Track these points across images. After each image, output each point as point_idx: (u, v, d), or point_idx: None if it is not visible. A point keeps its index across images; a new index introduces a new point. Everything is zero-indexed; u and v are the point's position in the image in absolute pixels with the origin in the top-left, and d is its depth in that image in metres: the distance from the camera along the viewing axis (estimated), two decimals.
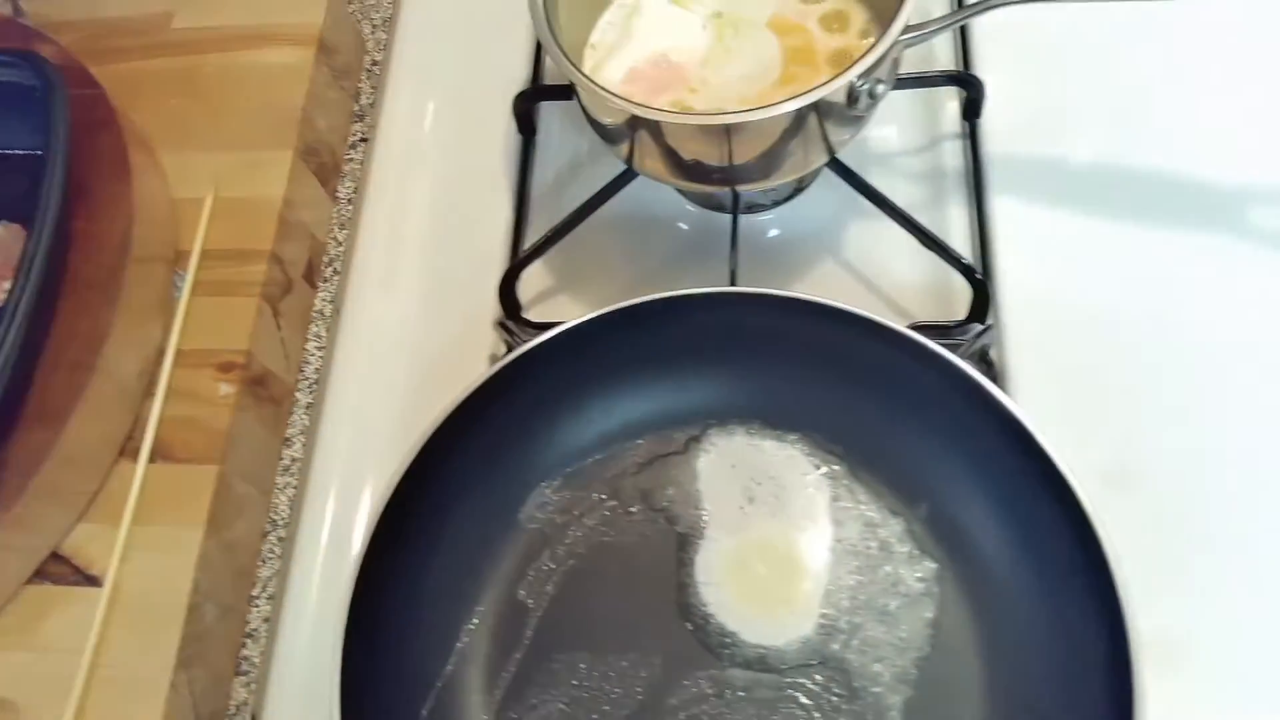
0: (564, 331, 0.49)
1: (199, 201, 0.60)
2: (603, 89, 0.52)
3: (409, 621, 0.47)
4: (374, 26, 0.73)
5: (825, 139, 0.55)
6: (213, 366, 0.56)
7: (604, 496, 0.51)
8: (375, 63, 0.72)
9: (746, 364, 0.51)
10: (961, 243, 0.60)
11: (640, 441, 0.52)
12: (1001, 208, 0.60)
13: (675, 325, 0.50)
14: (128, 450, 0.55)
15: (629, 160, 0.57)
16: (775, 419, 0.52)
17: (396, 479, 0.47)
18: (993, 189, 0.60)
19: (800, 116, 0.51)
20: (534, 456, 0.51)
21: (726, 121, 0.52)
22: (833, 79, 0.50)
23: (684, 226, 0.64)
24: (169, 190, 0.60)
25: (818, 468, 0.51)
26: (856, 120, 0.55)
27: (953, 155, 0.63)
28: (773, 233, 0.63)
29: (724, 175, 0.56)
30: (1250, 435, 0.53)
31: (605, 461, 0.52)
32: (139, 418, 0.55)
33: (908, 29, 0.51)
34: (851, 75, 0.50)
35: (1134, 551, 0.49)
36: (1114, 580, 0.41)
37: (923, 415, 0.49)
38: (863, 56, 0.50)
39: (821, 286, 0.60)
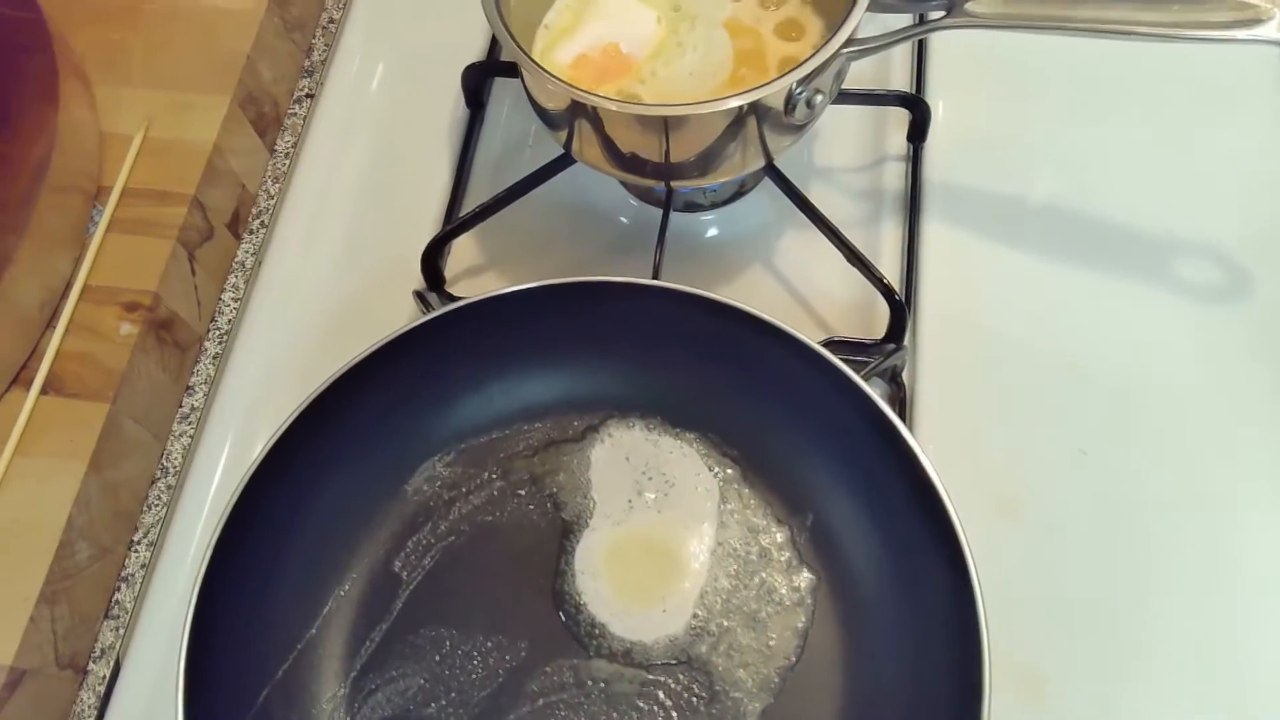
0: (471, 303, 0.48)
1: (128, 138, 0.59)
2: (543, 69, 0.52)
3: (274, 579, 0.46)
4: None
5: (763, 143, 0.55)
6: (118, 305, 0.55)
7: (494, 476, 0.51)
8: (332, 20, 0.71)
9: (654, 359, 0.51)
10: (891, 263, 0.60)
11: (538, 425, 0.52)
12: (932, 232, 0.60)
13: (586, 311, 0.50)
14: (21, 379, 0.54)
15: (568, 146, 0.57)
16: (676, 417, 0.51)
17: (281, 430, 0.46)
18: (927, 213, 0.60)
19: (738, 116, 0.51)
20: (428, 428, 0.51)
21: (663, 114, 0.51)
22: (770, 82, 0.50)
23: (624, 220, 0.64)
24: (98, 123, 0.59)
25: (711, 469, 0.50)
26: (795, 128, 0.55)
27: (895, 177, 0.63)
28: (710, 233, 0.63)
29: (660, 170, 0.56)
30: (1141, 478, 0.53)
31: (500, 441, 0.51)
32: (36, 349, 0.54)
33: (850, 42, 0.51)
34: (790, 80, 0.50)
35: (1013, 578, 0.49)
36: (978, 613, 0.40)
37: (820, 429, 0.49)
38: (802, 63, 0.50)
39: (750, 291, 0.60)
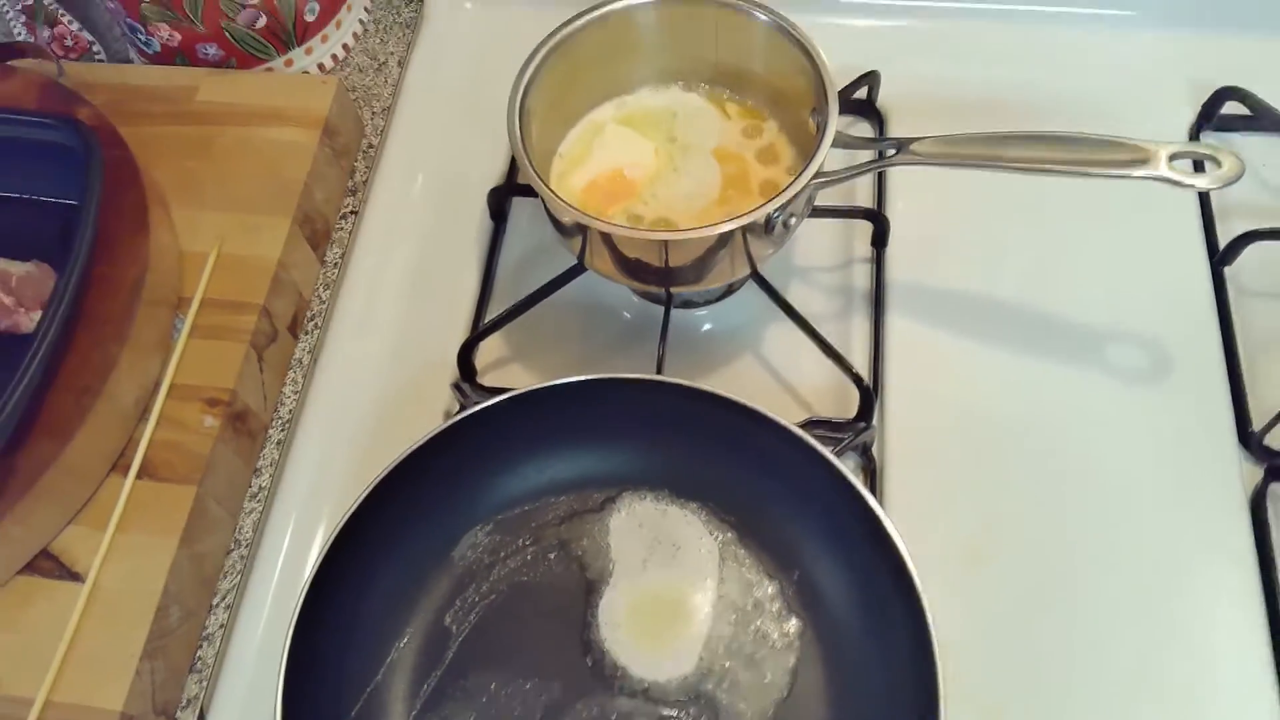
0: (506, 400, 0.58)
1: (203, 255, 0.69)
2: (561, 199, 0.62)
3: (348, 634, 0.55)
4: (373, 114, 0.83)
5: (748, 255, 0.65)
6: (200, 400, 0.64)
7: (527, 542, 0.60)
8: (371, 145, 0.81)
9: (660, 440, 0.60)
10: (860, 350, 0.69)
11: (564, 498, 0.61)
12: (895, 324, 0.69)
13: (602, 403, 0.59)
14: (119, 466, 0.63)
15: (580, 257, 0.67)
16: (681, 489, 0.61)
17: (350, 512, 0.55)
18: (890, 308, 0.70)
19: (726, 236, 0.61)
20: (471, 503, 0.60)
21: (663, 238, 0.61)
22: (752, 211, 0.60)
23: (627, 315, 0.73)
24: (178, 243, 0.69)
25: (712, 534, 0.59)
26: (775, 242, 0.65)
27: (862, 276, 0.73)
28: (705, 327, 0.73)
29: (661, 278, 0.66)
30: (1086, 533, 0.62)
31: (532, 512, 0.61)
32: (132, 438, 0.63)
33: (818, 175, 0.61)
34: (768, 209, 0.60)
35: (976, 621, 0.59)
36: (933, 654, 0.49)
37: (803, 498, 0.58)
38: (778, 195, 0.60)
39: (740, 377, 0.70)
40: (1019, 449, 0.65)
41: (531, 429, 0.59)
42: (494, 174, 0.78)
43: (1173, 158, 0.54)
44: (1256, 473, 0.63)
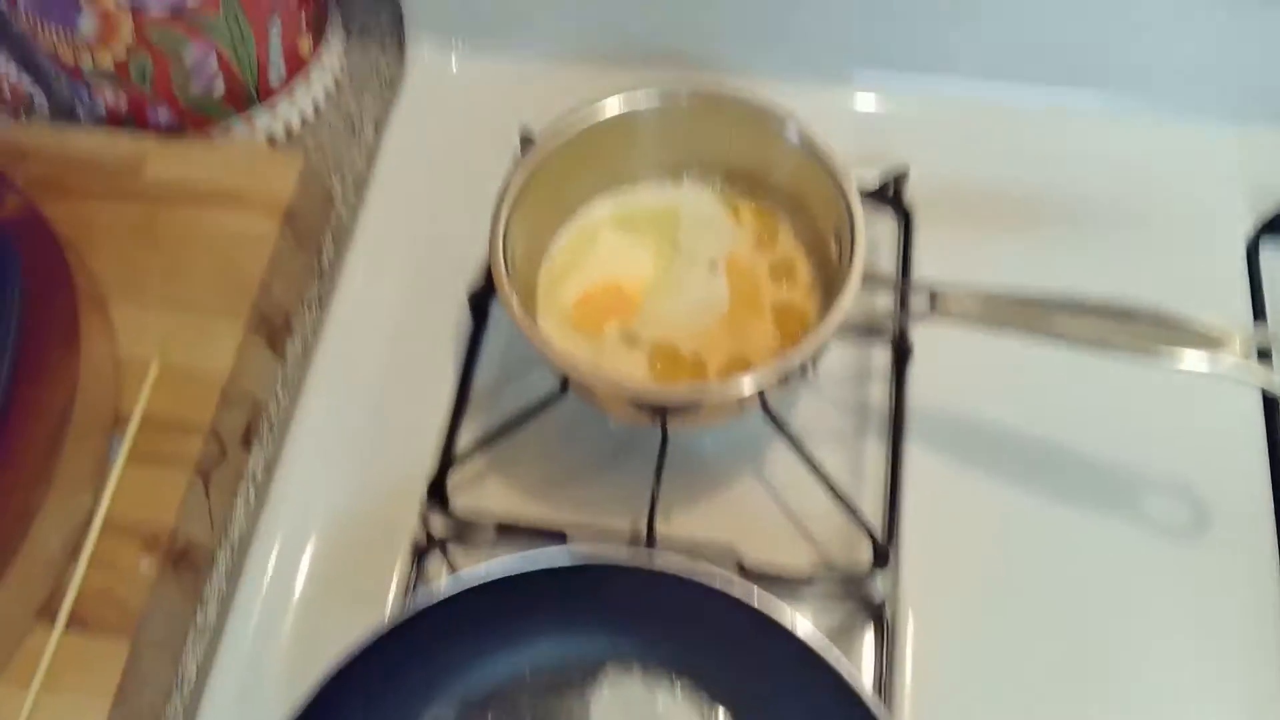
0: (475, 586, 0.51)
1: (144, 364, 0.61)
2: (545, 344, 0.54)
3: None
4: (344, 185, 0.75)
5: (760, 398, 0.58)
6: (138, 540, 0.57)
7: None
8: (340, 219, 0.73)
9: (649, 619, 0.54)
10: (875, 485, 0.63)
11: (541, 676, 0.54)
12: (915, 456, 0.63)
13: (586, 584, 0.52)
14: (45, 612, 0.56)
15: (563, 386, 0.59)
16: (670, 666, 0.54)
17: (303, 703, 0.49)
18: (910, 437, 0.63)
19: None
20: (433, 683, 0.53)
21: (657, 398, 0.54)
22: (766, 369, 0.53)
23: (614, 427, 0.67)
24: (116, 350, 0.62)
25: (704, 717, 0.53)
26: (787, 388, 0.58)
27: (880, 394, 0.66)
28: (705, 445, 0.66)
29: (655, 418, 0.59)
30: (1119, 706, 0.57)
31: (505, 691, 0.54)
32: (60, 583, 0.56)
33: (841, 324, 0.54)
34: (784, 368, 0.53)
35: None
36: None
37: (803, 690, 0.51)
38: (793, 351, 0.53)
39: (740, 504, 0.63)
40: (1046, 606, 0.59)
41: (502, 614, 0.53)
42: (476, 257, 0.70)
43: (1249, 347, 0.47)
44: None
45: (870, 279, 0.56)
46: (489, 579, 0.50)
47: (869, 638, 0.59)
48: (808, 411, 0.66)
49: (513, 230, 0.58)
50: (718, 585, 0.50)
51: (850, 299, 0.53)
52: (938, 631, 0.59)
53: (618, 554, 0.52)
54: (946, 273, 0.65)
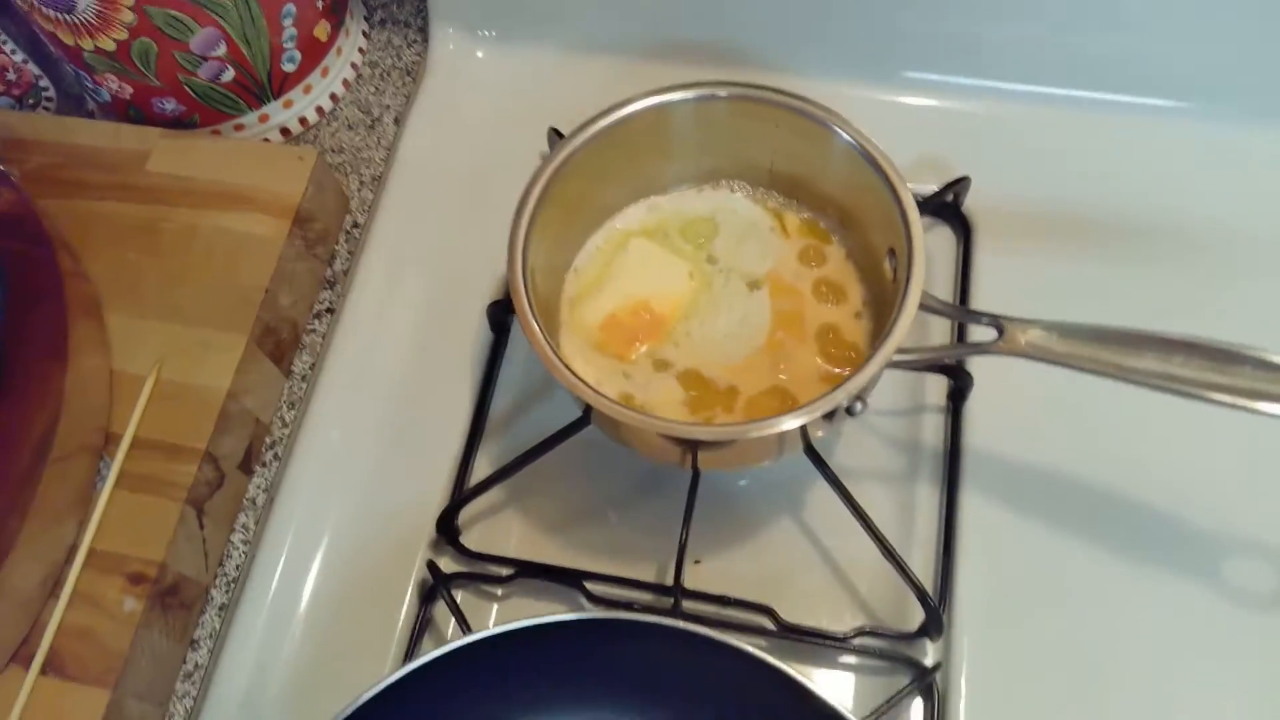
0: (477, 641, 0.46)
1: (139, 378, 0.57)
2: (569, 372, 0.49)
3: None
4: (362, 183, 0.69)
5: (803, 437, 0.52)
6: (123, 575, 0.53)
7: None
8: (356, 224, 0.68)
9: (673, 691, 0.48)
10: (927, 531, 0.57)
11: None
12: (971, 504, 0.57)
13: (592, 642, 0.47)
14: (21, 655, 0.52)
15: (586, 415, 0.54)
16: None
17: None
18: (966, 483, 0.57)
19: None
20: None
21: (689, 436, 0.49)
22: (808, 405, 0.47)
23: (643, 462, 0.61)
24: (109, 364, 0.57)
25: None
26: (834, 426, 0.52)
27: (934, 431, 0.60)
28: (741, 483, 0.60)
29: (686, 456, 0.53)
30: None
31: None
32: (39, 619, 0.52)
33: (898, 350, 0.48)
34: (831, 404, 0.47)
35: None
36: None
37: None
38: (841, 385, 0.47)
39: (777, 550, 0.58)
40: (1113, 679, 0.53)
41: (514, 674, 0.47)
42: (499, 264, 0.63)
43: None
44: None
45: (928, 304, 0.49)
46: (487, 637, 0.45)
47: (917, 712, 0.53)
48: (853, 448, 0.60)
49: (535, 238, 0.53)
50: (751, 652, 0.45)
51: (906, 327, 0.47)
52: (995, 706, 0.53)
53: (638, 612, 0.46)
54: (1011, 295, 0.59)
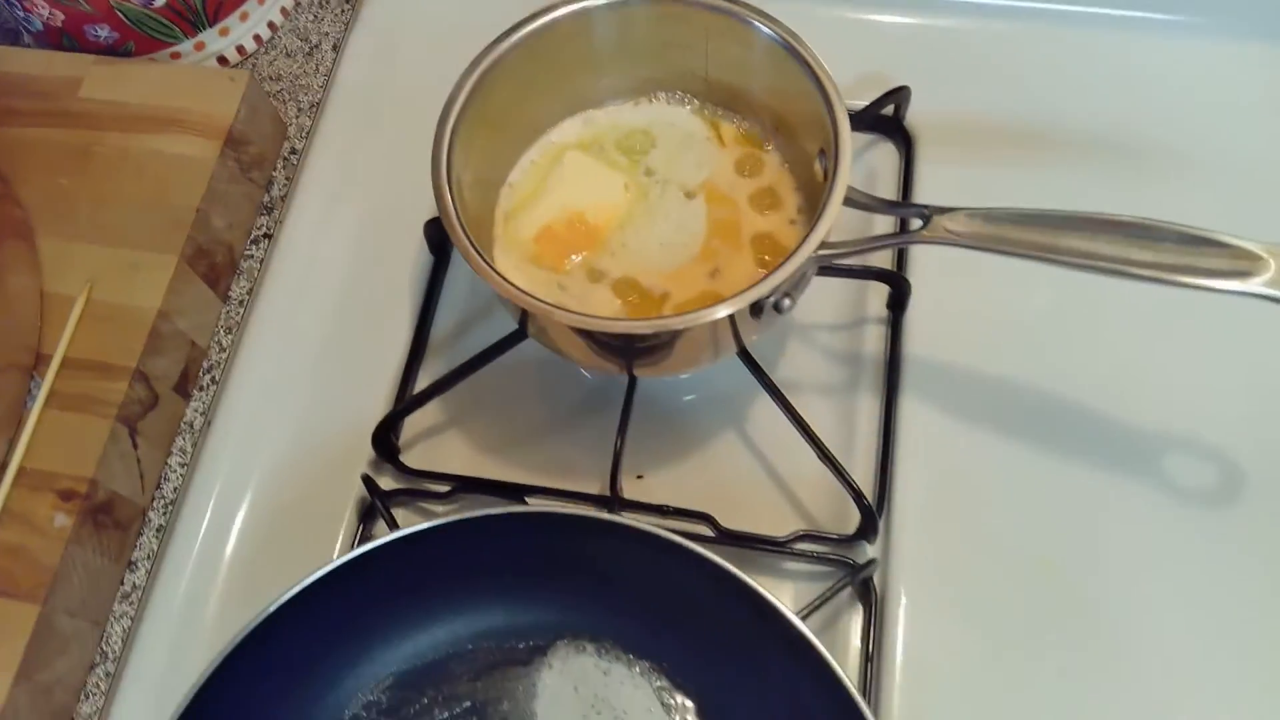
0: (415, 532, 0.45)
1: (70, 299, 0.56)
2: (505, 280, 0.48)
3: None
4: (299, 110, 0.69)
5: (735, 336, 0.52)
6: (53, 492, 0.52)
7: (434, 701, 0.48)
8: (294, 151, 0.68)
9: (608, 586, 0.48)
10: (866, 441, 0.57)
11: (483, 646, 0.49)
12: (911, 410, 0.57)
13: (534, 540, 0.47)
14: None
15: (522, 326, 0.54)
16: (629, 643, 0.49)
17: (215, 665, 0.44)
18: (906, 389, 0.57)
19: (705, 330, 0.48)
20: (368, 652, 0.48)
21: (615, 330, 0.48)
22: (733, 297, 0.46)
23: (587, 375, 0.61)
24: (40, 284, 0.57)
25: (665, 704, 0.48)
26: (765, 323, 0.52)
27: (874, 341, 0.60)
28: (685, 398, 0.60)
29: (622, 364, 0.53)
30: (1128, 684, 0.51)
31: (442, 664, 0.49)
32: None
33: (822, 247, 0.48)
34: (757, 294, 0.47)
35: None
36: None
37: (778, 674, 0.46)
38: (768, 277, 0.47)
39: (719, 463, 0.58)
40: (1053, 579, 0.53)
41: (445, 569, 0.47)
42: None
43: None
44: None
45: (855, 198, 0.49)
46: (429, 528, 0.45)
47: (856, 616, 0.53)
48: (796, 363, 0.60)
49: (463, 149, 0.52)
50: (681, 544, 0.44)
51: (833, 216, 0.47)
52: (933, 608, 0.53)
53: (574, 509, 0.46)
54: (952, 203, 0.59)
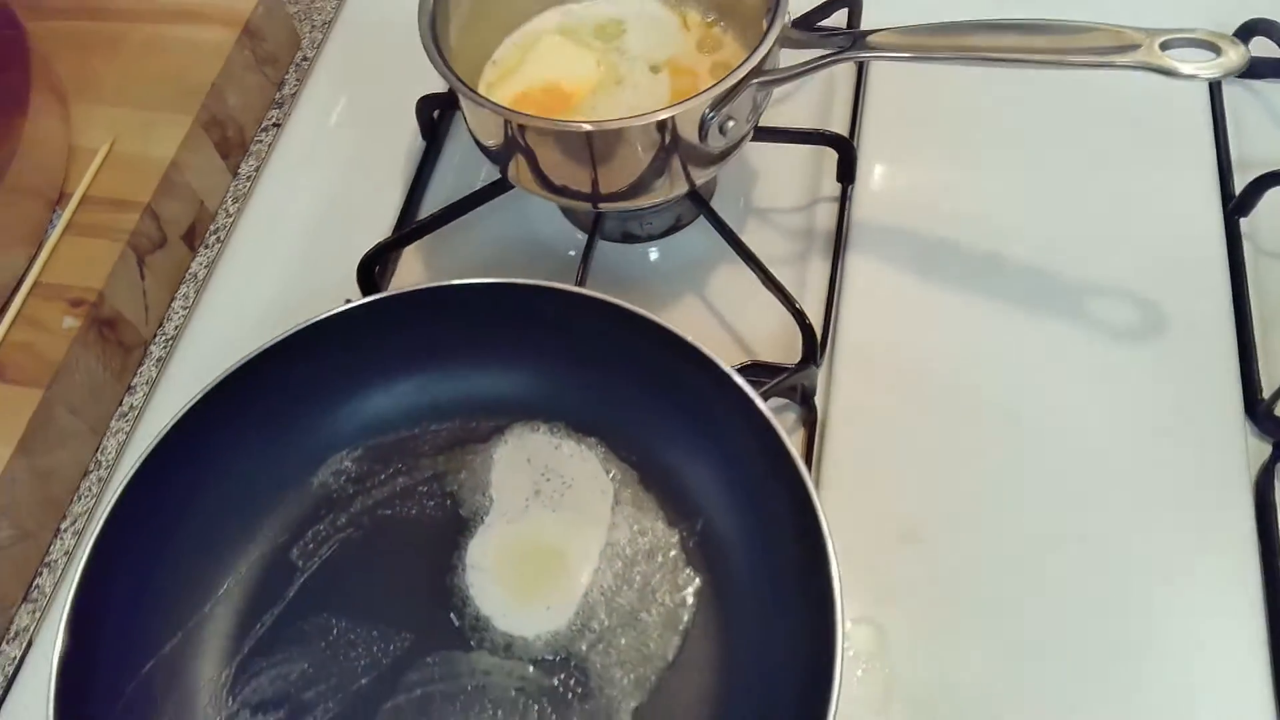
0: (382, 299, 0.50)
1: (94, 153, 0.63)
2: (471, 90, 0.54)
3: (168, 555, 0.47)
4: (313, 27, 0.76)
5: (685, 169, 0.56)
6: (64, 300, 0.58)
7: (398, 472, 0.52)
8: (306, 58, 0.75)
9: (561, 364, 0.52)
10: (816, 296, 0.61)
11: (446, 424, 0.53)
12: (855, 267, 0.61)
13: (499, 312, 0.51)
14: None
15: (504, 171, 0.59)
16: (579, 422, 0.53)
17: (187, 407, 0.48)
18: (852, 250, 0.62)
19: (657, 140, 0.53)
20: (337, 422, 0.52)
21: (576, 128, 0.53)
22: (681, 101, 0.52)
23: (571, 254, 0.65)
24: (68, 131, 0.63)
25: (609, 471, 0.51)
26: (715, 157, 0.57)
27: (826, 217, 0.64)
28: (652, 258, 0.65)
29: (589, 193, 0.58)
30: (1054, 510, 0.53)
31: (409, 439, 0.53)
32: None
33: (759, 71, 0.53)
34: (701, 102, 0.52)
35: (915, 608, 0.50)
36: (835, 638, 0.40)
37: (716, 440, 0.50)
38: (711, 87, 0.52)
39: (682, 315, 0.62)
40: (982, 412, 0.57)
41: (412, 337, 0.52)
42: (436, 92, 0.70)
43: (1165, 46, 0.45)
44: (1263, 449, 0.54)
45: (798, 39, 0.55)
46: (394, 295, 0.50)
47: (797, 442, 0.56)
48: (753, 238, 0.64)
49: (448, 24, 0.59)
50: (638, 311, 0.49)
51: (776, 33, 0.53)
52: (868, 428, 0.56)
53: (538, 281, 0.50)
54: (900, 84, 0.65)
